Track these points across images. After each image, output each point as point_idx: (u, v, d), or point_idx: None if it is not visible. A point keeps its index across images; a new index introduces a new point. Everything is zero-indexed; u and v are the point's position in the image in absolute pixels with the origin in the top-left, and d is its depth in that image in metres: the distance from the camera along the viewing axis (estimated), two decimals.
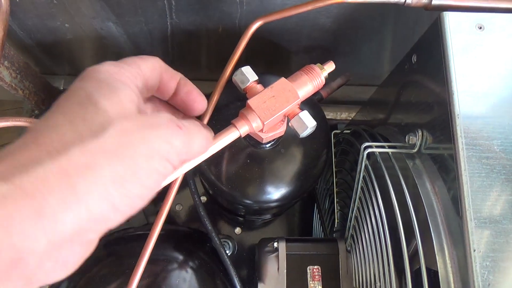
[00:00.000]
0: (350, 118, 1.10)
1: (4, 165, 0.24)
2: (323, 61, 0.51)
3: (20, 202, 0.23)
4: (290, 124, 0.48)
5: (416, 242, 0.47)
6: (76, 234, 0.25)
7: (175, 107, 0.41)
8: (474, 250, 0.41)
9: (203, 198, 0.96)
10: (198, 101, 0.40)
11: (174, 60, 0.91)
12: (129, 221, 0.72)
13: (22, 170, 0.24)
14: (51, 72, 0.97)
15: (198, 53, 0.89)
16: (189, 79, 0.39)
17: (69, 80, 0.97)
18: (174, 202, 0.97)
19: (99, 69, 0.30)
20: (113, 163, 0.26)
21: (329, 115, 1.27)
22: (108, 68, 0.30)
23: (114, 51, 0.87)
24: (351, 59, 0.94)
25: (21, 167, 0.24)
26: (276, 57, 0.92)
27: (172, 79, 0.38)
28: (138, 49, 0.86)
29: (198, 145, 0.33)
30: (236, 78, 0.49)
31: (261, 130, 0.49)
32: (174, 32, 0.78)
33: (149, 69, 0.34)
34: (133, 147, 0.27)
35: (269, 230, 0.98)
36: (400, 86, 0.62)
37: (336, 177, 0.77)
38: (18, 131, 0.77)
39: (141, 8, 0.70)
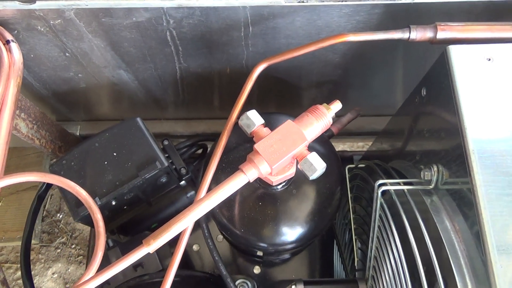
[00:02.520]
0: (365, 149, 1.08)
1: None
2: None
3: None
4: (299, 167, 0.47)
5: (438, 284, 0.44)
6: None
7: None
8: None
9: (220, 237, 0.94)
10: None
11: (186, 101, 0.92)
12: (143, 267, 0.70)
13: None
14: (67, 119, 0.99)
15: (209, 93, 0.90)
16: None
17: (85, 126, 0.99)
18: (191, 242, 0.96)
19: None
20: None
21: (344, 146, 1.25)
22: None
23: (127, 96, 0.88)
24: (362, 92, 0.93)
25: None
26: (287, 93, 0.92)
27: None
28: (150, 93, 0.87)
29: None
30: (242, 123, 0.49)
31: (270, 174, 0.48)
32: (183, 75, 0.79)
33: None
34: None
35: (289, 268, 0.95)
36: (411, 118, 0.60)
37: (353, 213, 0.75)
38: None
39: (150, 55, 0.71)
